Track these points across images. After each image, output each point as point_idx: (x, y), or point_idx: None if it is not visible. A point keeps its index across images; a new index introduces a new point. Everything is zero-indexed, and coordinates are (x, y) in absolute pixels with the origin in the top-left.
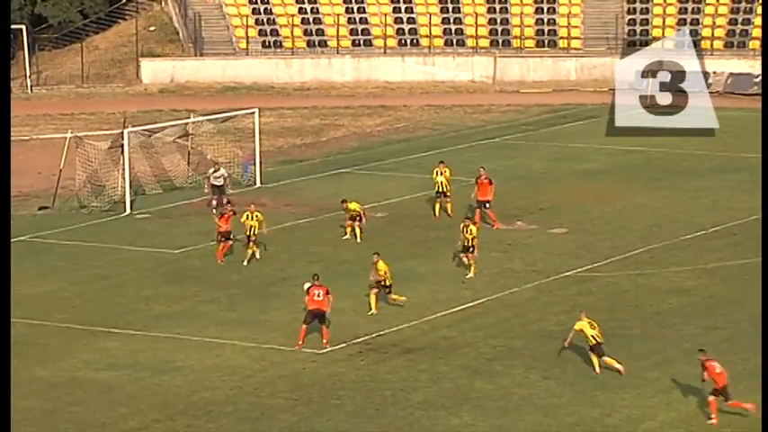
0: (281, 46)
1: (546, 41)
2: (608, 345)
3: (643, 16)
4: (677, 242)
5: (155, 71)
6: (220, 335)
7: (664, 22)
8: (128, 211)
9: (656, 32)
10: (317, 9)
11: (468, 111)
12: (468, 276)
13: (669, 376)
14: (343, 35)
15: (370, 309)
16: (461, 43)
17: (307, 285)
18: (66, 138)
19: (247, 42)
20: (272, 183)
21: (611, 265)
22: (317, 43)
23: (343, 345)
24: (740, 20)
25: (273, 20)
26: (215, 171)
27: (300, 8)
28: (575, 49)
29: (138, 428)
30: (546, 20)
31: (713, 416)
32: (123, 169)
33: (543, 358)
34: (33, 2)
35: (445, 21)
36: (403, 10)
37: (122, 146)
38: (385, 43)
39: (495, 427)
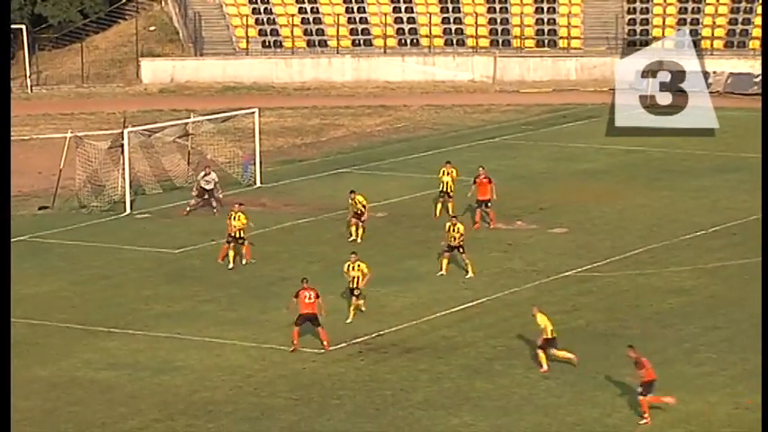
0: (281, 46)
1: (546, 41)
2: (608, 344)
3: (643, 16)
4: (677, 242)
5: (155, 71)
6: (220, 335)
7: (664, 22)
8: (128, 210)
9: (656, 32)
10: (317, 9)
11: (468, 110)
12: (440, 274)
13: (669, 376)
14: (343, 35)
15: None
16: (461, 43)
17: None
18: (66, 138)
19: (247, 42)
20: (272, 183)
21: (611, 265)
22: (317, 43)
23: (343, 345)
24: (740, 20)
25: (273, 20)
26: (206, 175)
27: (300, 8)
28: (575, 48)
29: (139, 428)
30: (546, 20)
31: (665, 400)
32: (123, 169)
33: None
34: (33, 2)
35: (445, 20)
36: (403, 10)
37: (122, 146)
38: (385, 43)
39: (496, 426)
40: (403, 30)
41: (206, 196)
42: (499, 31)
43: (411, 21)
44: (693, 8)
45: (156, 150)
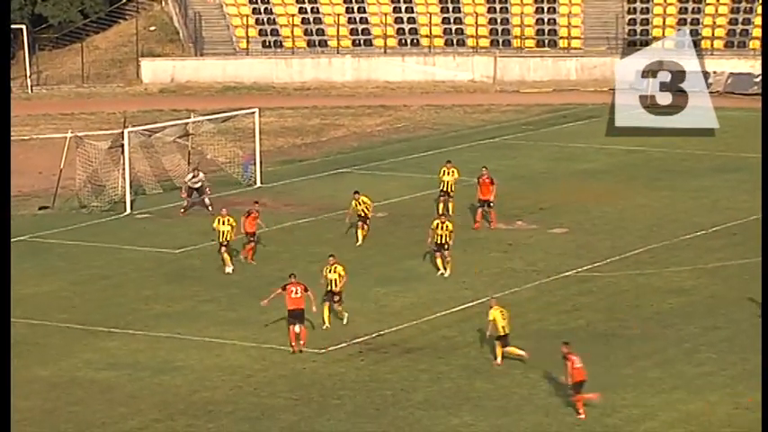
0: (281, 46)
1: (546, 41)
2: (608, 344)
3: (643, 16)
4: (677, 242)
5: (155, 71)
6: (220, 335)
7: (664, 22)
8: (128, 210)
9: (656, 32)
10: (318, 9)
11: (469, 110)
12: (441, 273)
13: (669, 376)
14: (343, 35)
15: (324, 322)
16: (462, 43)
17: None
18: (66, 138)
19: (247, 42)
20: (273, 183)
21: (611, 265)
22: (317, 43)
23: (344, 344)
24: (740, 20)
25: (274, 20)
26: (193, 177)
27: (301, 8)
28: (575, 48)
29: (139, 428)
30: (546, 20)
31: (587, 397)
32: (123, 169)
33: (543, 358)
34: (33, 1)
35: (445, 20)
36: (403, 10)
37: (122, 146)
38: (385, 43)
39: (496, 426)
40: (403, 30)
41: (194, 195)
42: (499, 31)
43: (411, 21)
44: (694, 8)
45: (157, 150)
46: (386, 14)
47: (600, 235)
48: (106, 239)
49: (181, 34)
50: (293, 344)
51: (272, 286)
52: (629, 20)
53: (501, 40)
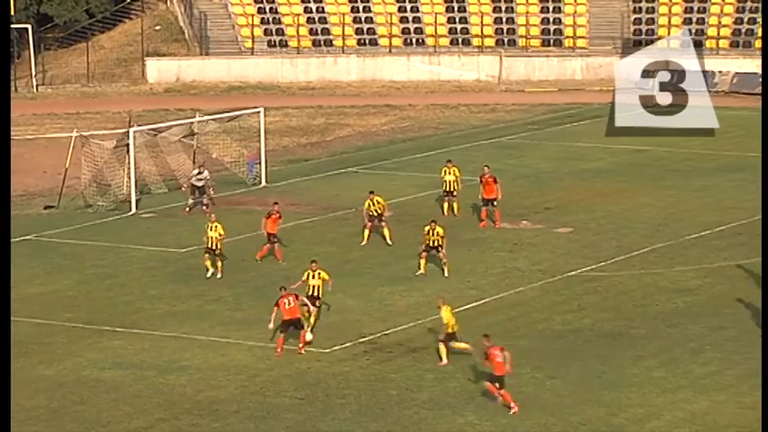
0: (286, 45)
1: (551, 41)
2: (614, 344)
3: (649, 15)
4: (682, 241)
5: (160, 70)
6: (226, 334)
7: (669, 22)
8: (133, 210)
9: (661, 32)
10: (323, 8)
11: (474, 110)
12: (418, 272)
13: (675, 375)
14: (348, 34)
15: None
16: (467, 42)
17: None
18: (71, 137)
19: (253, 41)
20: (278, 182)
21: (616, 265)
22: (322, 42)
23: (349, 344)
24: (746, 19)
25: (279, 19)
26: (199, 174)
27: (306, 7)
28: (580, 48)
29: (144, 427)
30: (551, 19)
31: (496, 394)
32: (129, 168)
33: (549, 357)
34: (39, 1)
35: (451, 20)
36: (408, 9)
37: (128, 145)
38: (390, 42)
39: (501, 426)
40: (408, 29)
41: (197, 193)
42: (505, 30)
43: (416, 20)
44: (699, 8)
45: (162, 150)
46: (391, 14)
47: (605, 234)
48: (111, 239)
49: (186, 34)
50: (279, 349)
51: (276, 285)
52: (635, 19)
53: (506, 40)
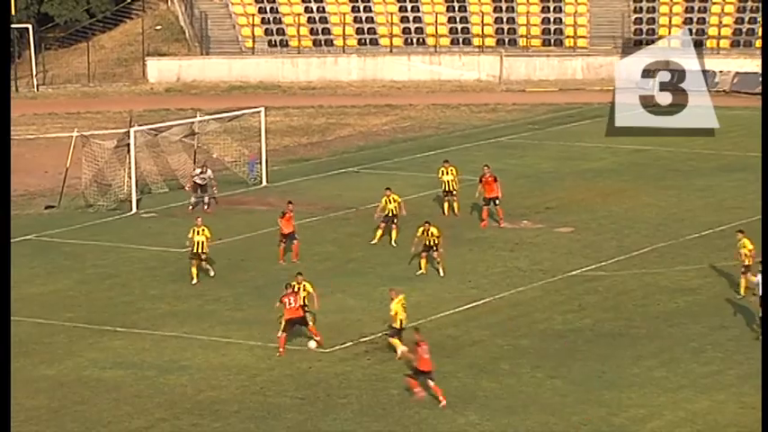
0: (287, 45)
1: (552, 40)
2: (615, 343)
3: (649, 15)
4: (684, 241)
5: (161, 70)
6: (226, 334)
7: (670, 22)
8: (134, 209)
9: (662, 32)
10: (324, 8)
11: (475, 110)
12: (419, 272)
13: (676, 375)
14: (349, 34)
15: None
16: (468, 42)
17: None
18: (72, 137)
19: (253, 41)
20: (279, 182)
21: (617, 264)
22: (323, 42)
23: (350, 344)
24: (746, 19)
25: (280, 19)
26: (202, 173)
27: (307, 7)
28: (581, 48)
29: (144, 427)
30: (552, 19)
31: (416, 390)
32: (129, 168)
33: (550, 357)
34: (40, 1)
35: (451, 20)
36: (409, 9)
37: (128, 145)
38: (391, 42)
39: (502, 425)
40: (409, 29)
41: (199, 192)
42: (505, 30)
43: (417, 20)
44: (700, 7)
45: (163, 149)
46: (392, 14)
47: (606, 234)
48: (112, 238)
49: (187, 33)
50: (281, 349)
51: (278, 285)
52: (635, 19)
53: (507, 40)
